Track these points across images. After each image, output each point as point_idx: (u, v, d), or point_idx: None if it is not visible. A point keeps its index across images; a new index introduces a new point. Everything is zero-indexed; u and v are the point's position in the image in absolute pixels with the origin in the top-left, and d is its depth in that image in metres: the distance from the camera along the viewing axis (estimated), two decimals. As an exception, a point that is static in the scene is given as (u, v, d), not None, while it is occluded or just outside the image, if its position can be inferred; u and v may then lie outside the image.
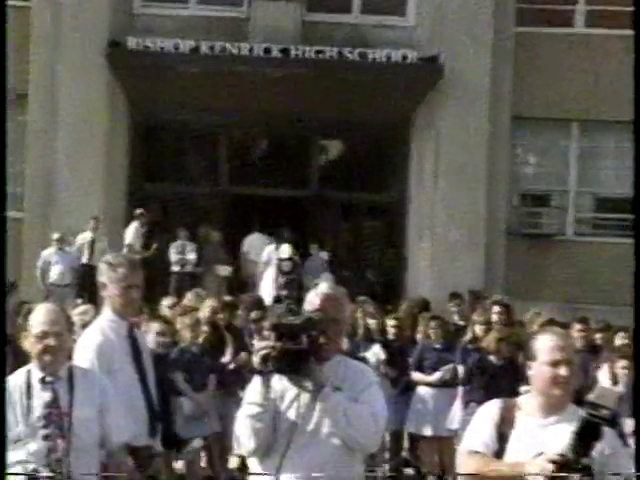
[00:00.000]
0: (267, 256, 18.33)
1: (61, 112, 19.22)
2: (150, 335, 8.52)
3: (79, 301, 12.81)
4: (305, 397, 4.67)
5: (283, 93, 18.53)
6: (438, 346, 11.53)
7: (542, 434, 4.46)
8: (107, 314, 6.13)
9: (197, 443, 9.85)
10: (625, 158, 20.68)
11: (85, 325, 7.69)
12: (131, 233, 18.49)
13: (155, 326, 8.62)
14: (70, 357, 5.56)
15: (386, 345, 11.55)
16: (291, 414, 4.70)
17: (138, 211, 18.76)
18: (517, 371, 9.90)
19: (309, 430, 4.68)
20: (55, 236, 17.89)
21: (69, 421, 5.02)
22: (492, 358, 10.48)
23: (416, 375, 11.48)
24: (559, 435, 4.36)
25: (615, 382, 10.25)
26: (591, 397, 4.29)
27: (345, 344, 8.03)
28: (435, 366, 11.40)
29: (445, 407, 11.09)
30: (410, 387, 11.55)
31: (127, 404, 5.63)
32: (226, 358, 10.48)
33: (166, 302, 11.47)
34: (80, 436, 5.04)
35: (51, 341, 5.08)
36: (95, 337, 5.97)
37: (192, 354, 9.36)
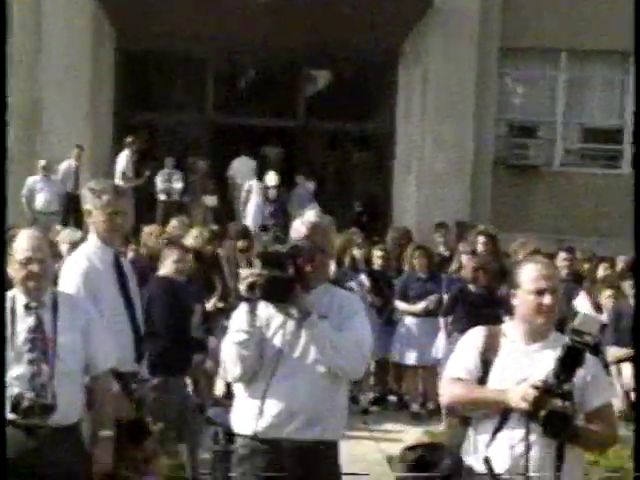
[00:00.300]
0: (249, 187, 18.30)
1: (46, 40, 18.95)
2: (167, 261, 8.48)
3: (58, 227, 12.70)
4: (291, 325, 4.69)
5: (271, 22, 18.32)
6: (422, 276, 11.56)
7: (525, 361, 4.48)
8: (92, 241, 6.09)
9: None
10: (613, 89, 20.62)
11: (74, 245, 7.65)
12: (123, 161, 18.41)
13: (173, 253, 8.56)
14: (54, 283, 5.56)
15: (372, 275, 11.58)
16: (277, 341, 4.71)
17: (129, 139, 18.65)
18: (496, 299, 9.99)
19: (295, 357, 4.70)
20: (41, 163, 17.78)
21: (53, 347, 5.04)
22: (471, 287, 10.53)
23: (400, 305, 11.53)
24: (542, 361, 4.41)
25: (599, 311, 10.37)
26: (575, 324, 4.33)
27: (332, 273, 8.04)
28: (419, 296, 11.44)
29: (429, 337, 11.15)
30: (395, 316, 11.60)
31: (113, 330, 5.64)
32: (209, 304, 10.50)
33: (148, 229, 11.41)
34: (65, 361, 5.06)
35: (35, 267, 5.07)
36: (81, 263, 5.95)
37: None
